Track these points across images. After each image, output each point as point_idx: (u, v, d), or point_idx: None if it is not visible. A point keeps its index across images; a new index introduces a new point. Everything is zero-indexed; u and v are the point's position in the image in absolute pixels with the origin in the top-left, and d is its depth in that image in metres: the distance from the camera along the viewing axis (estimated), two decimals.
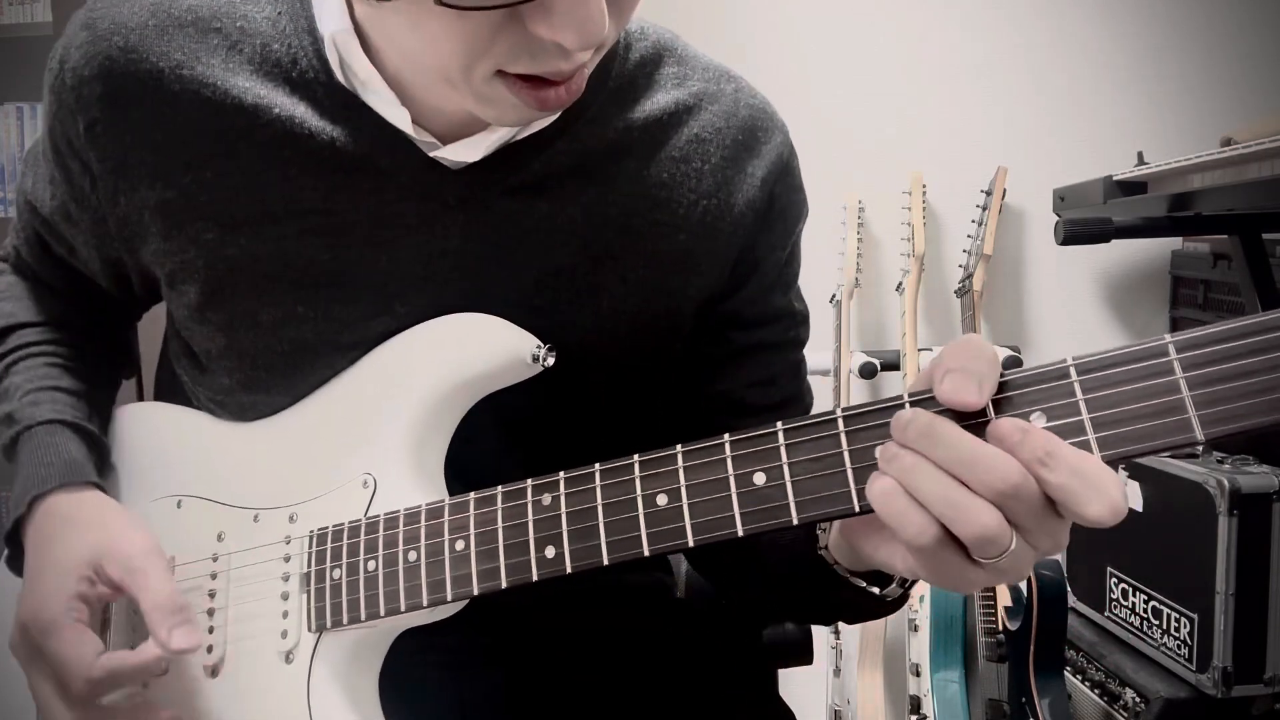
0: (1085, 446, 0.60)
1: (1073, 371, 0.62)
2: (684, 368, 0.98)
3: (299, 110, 0.85)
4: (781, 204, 0.96)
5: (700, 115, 0.92)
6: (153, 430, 1.00)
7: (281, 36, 0.86)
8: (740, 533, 0.70)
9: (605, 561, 0.74)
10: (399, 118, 0.83)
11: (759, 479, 0.69)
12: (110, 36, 0.85)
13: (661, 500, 0.72)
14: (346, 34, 0.82)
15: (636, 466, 0.74)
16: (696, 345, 0.97)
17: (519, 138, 0.86)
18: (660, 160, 0.91)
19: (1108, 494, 0.59)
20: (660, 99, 0.92)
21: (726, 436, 0.71)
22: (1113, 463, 0.60)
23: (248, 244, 0.86)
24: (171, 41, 0.85)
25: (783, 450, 0.69)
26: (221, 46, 0.85)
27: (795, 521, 0.68)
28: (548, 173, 0.88)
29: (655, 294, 0.92)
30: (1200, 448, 2.05)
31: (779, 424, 0.70)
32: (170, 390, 1.04)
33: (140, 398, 1.09)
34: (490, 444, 0.91)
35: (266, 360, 0.90)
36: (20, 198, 1.00)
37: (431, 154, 0.85)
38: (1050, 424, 0.61)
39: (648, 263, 0.91)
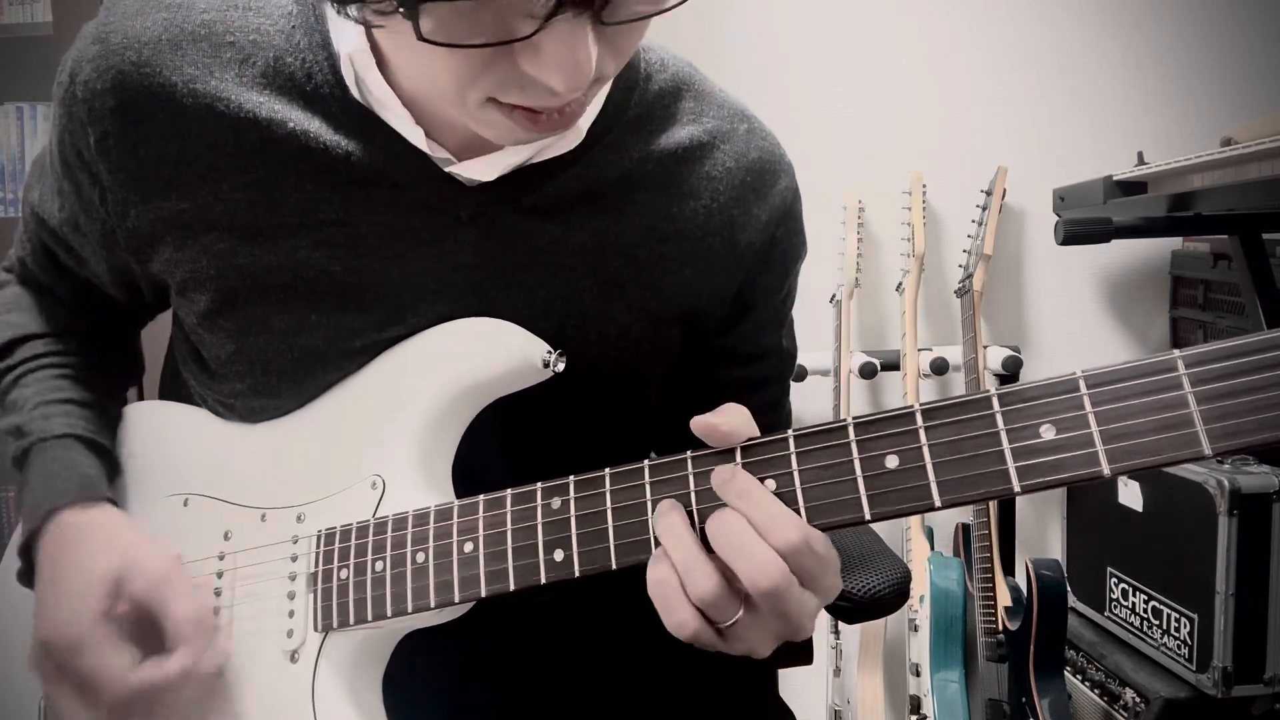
0: (1094, 460, 0.61)
1: (1082, 384, 0.62)
2: (673, 391, 0.99)
3: (314, 125, 0.85)
4: (782, 247, 0.98)
5: (714, 154, 0.93)
6: (160, 429, 1.00)
7: (295, 50, 0.86)
8: None
9: (614, 565, 0.74)
10: (413, 134, 0.84)
11: (769, 485, 0.70)
12: (123, 51, 0.85)
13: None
14: (364, 54, 0.83)
15: (646, 471, 0.74)
16: (686, 377, 0.99)
17: (535, 160, 0.87)
18: (671, 195, 0.91)
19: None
20: (677, 134, 0.92)
21: (738, 444, 0.72)
22: (1121, 474, 0.61)
23: (261, 254, 0.87)
24: (185, 56, 0.85)
25: (793, 458, 0.70)
26: (235, 60, 0.85)
27: None
28: (561, 196, 0.88)
29: (659, 325, 0.94)
30: None
31: (790, 431, 0.71)
32: (174, 392, 1.04)
33: (141, 398, 1.08)
34: (495, 452, 0.92)
35: (277, 366, 0.90)
36: (26, 209, 1.00)
37: (446, 169, 0.85)
38: (1059, 436, 0.62)
39: (653, 295, 0.92)
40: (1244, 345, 0.58)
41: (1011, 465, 0.63)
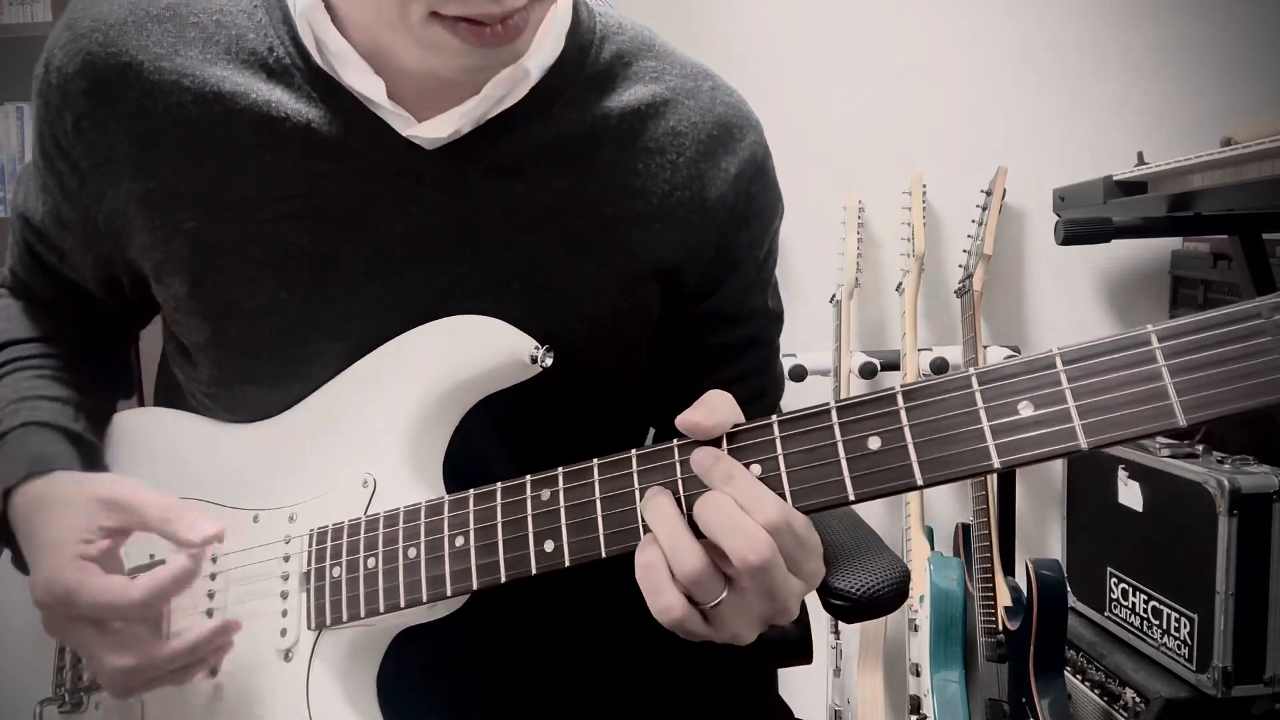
0: (1072, 434, 0.62)
1: (1058, 361, 0.63)
2: (659, 362, 0.99)
3: (276, 95, 0.86)
4: (758, 202, 0.97)
5: (677, 109, 0.94)
6: (152, 434, 1.00)
7: (258, 27, 0.87)
8: None
9: (603, 554, 0.75)
10: (373, 88, 0.85)
11: (755, 471, 0.71)
12: (91, 33, 0.87)
13: None
14: (316, 9, 0.84)
15: (634, 461, 0.75)
16: (674, 342, 0.99)
17: (493, 114, 0.87)
18: (636, 151, 0.92)
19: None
20: (638, 91, 0.93)
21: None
22: (1100, 448, 0.62)
23: (229, 230, 0.88)
24: (150, 35, 0.87)
25: (778, 443, 0.70)
26: (198, 39, 0.87)
27: None
28: (524, 154, 0.89)
29: (632, 283, 0.93)
30: (1199, 446, 2.05)
31: (774, 417, 0.71)
32: (169, 393, 1.05)
33: (141, 404, 1.09)
34: (482, 441, 0.92)
35: (254, 349, 0.91)
36: (13, 213, 1.01)
37: (405, 133, 0.86)
38: (1037, 412, 0.63)
39: (622, 251, 0.92)
40: (1215, 318, 0.59)
41: (991, 442, 0.64)
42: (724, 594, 0.70)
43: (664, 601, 0.70)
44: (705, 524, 0.70)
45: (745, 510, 0.69)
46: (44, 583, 0.82)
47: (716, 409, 0.72)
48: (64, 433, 0.94)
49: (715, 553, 0.69)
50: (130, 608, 0.80)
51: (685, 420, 0.72)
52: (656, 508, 0.72)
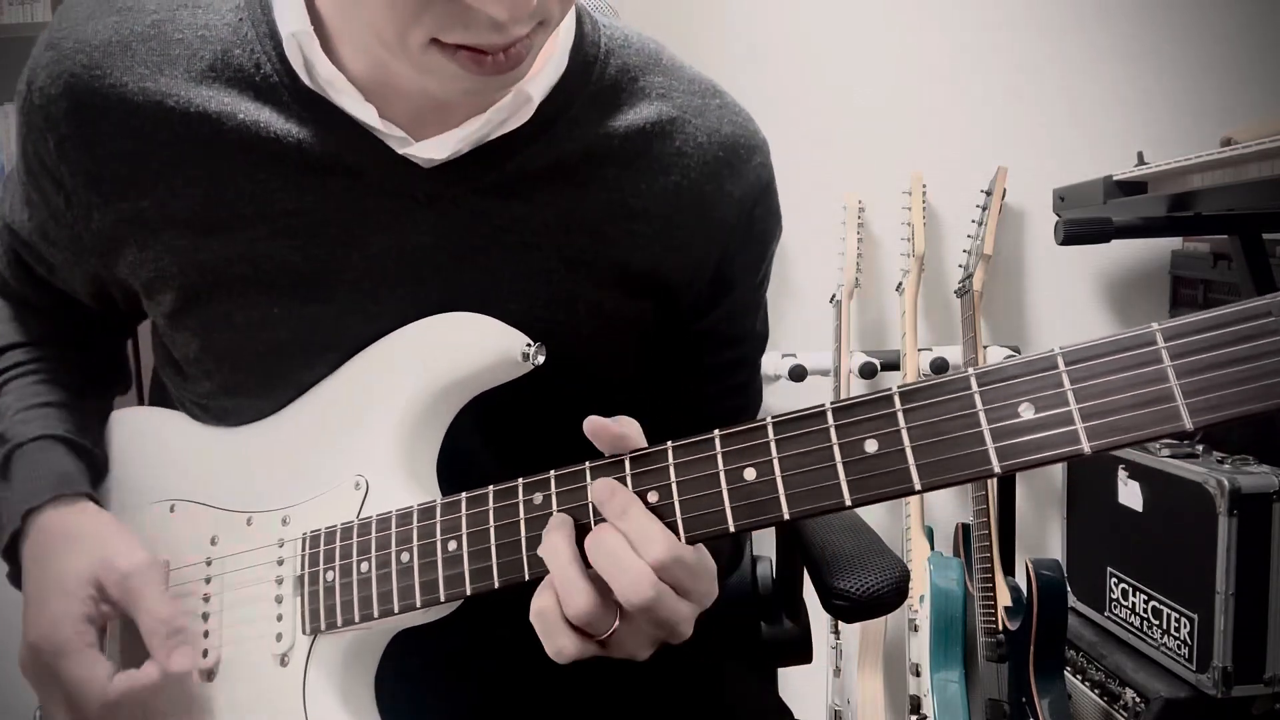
0: (1075, 437, 0.61)
1: (1060, 361, 0.62)
2: (654, 386, 0.99)
3: (264, 114, 0.85)
4: (759, 226, 0.96)
5: (684, 129, 0.92)
6: (145, 435, 1.00)
7: (244, 43, 0.86)
8: (731, 528, 0.71)
9: None
10: (365, 112, 0.83)
11: (749, 474, 0.70)
12: (75, 55, 0.85)
13: (653, 498, 0.73)
14: (306, 34, 0.83)
15: (627, 464, 0.74)
16: (664, 359, 0.98)
17: (491, 137, 0.86)
18: (639, 171, 0.90)
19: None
20: (644, 110, 0.91)
21: (717, 432, 0.72)
22: (1103, 452, 0.60)
23: (221, 248, 0.86)
24: (135, 56, 0.85)
25: (772, 445, 0.70)
26: (184, 57, 0.86)
27: (786, 516, 0.69)
28: (522, 173, 0.87)
29: (630, 298, 0.92)
30: (1200, 446, 2.05)
31: (768, 419, 0.70)
32: (162, 398, 1.04)
33: (141, 404, 1.09)
34: (480, 443, 0.91)
35: (245, 363, 0.90)
36: (1, 222, 1.01)
37: (401, 151, 0.85)
38: (1038, 415, 0.62)
39: (622, 272, 0.91)
40: (1222, 316, 0.58)
41: (991, 446, 0.63)
42: (616, 624, 0.72)
43: (557, 644, 0.73)
44: (594, 562, 0.72)
45: (634, 547, 0.71)
46: (43, 629, 0.84)
47: (625, 422, 0.75)
48: (76, 448, 0.94)
49: (605, 586, 0.72)
50: (99, 706, 0.83)
51: (594, 423, 0.75)
52: (550, 547, 0.74)
